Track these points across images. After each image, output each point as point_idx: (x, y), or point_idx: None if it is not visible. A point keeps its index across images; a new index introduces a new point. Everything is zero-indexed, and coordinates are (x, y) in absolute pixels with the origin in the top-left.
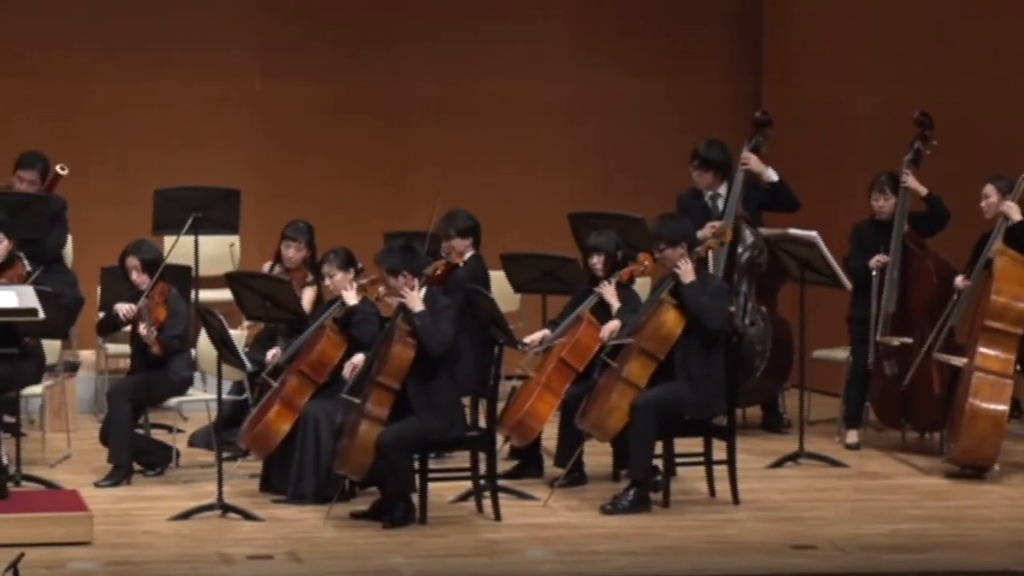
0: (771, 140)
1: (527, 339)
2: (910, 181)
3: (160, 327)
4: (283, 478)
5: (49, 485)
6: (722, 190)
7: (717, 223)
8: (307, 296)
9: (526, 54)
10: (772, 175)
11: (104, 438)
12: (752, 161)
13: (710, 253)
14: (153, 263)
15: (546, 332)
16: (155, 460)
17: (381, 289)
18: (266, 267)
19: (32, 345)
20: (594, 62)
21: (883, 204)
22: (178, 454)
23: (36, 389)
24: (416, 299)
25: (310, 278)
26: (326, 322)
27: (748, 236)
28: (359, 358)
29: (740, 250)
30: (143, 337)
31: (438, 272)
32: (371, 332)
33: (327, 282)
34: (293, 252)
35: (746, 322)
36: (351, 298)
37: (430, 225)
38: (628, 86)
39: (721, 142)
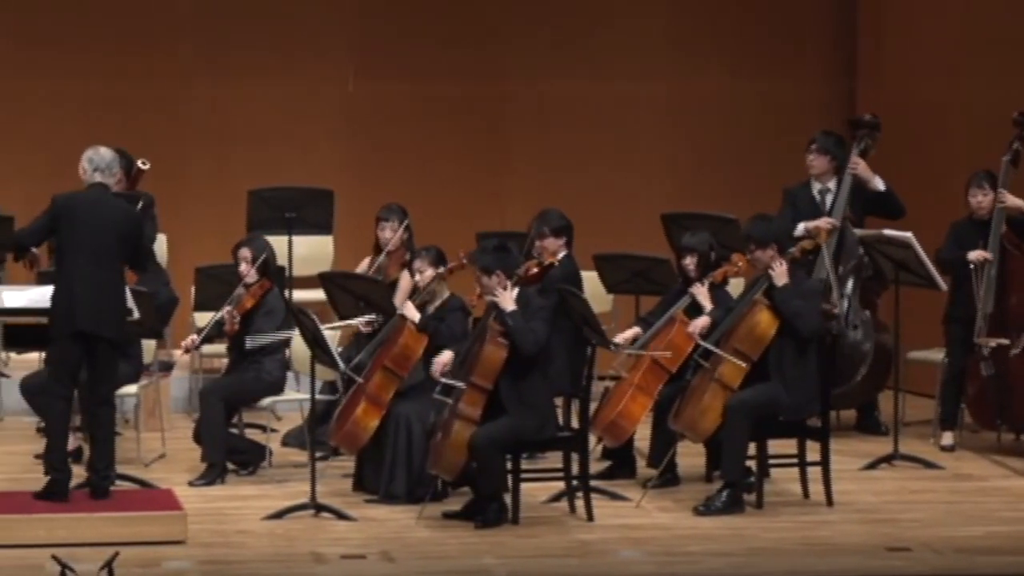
0: (879, 143)
1: (618, 337)
2: (1008, 199)
3: (244, 314)
4: (376, 478)
5: (144, 484)
6: (831, 185)
7: (832, 219)
8: (406, 278)
9: (621, 55)
10: (879, 184)
11: (198, 437)
12: (861, 167)
13: (825, 250)
14: (262, 260)
15: (637, 330)
16: (248, 459)
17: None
18: (365, 263)
19: (128, 345)
20: (688, 63)
21: (981, 200)
22: (271, 453)
23: (131, 389)
24: (508, 299)
25: (407, 258)
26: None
27: (854, 238)
28: (447, 356)
29: (846, 252)
30: (224, 317)
31: (532, 272)
32: (456, 327)
33: (416, 277)
34: (389, 233)
35: (849, 326)
36: (508, 303)
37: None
38: (722, 87)
39: (840, 135)
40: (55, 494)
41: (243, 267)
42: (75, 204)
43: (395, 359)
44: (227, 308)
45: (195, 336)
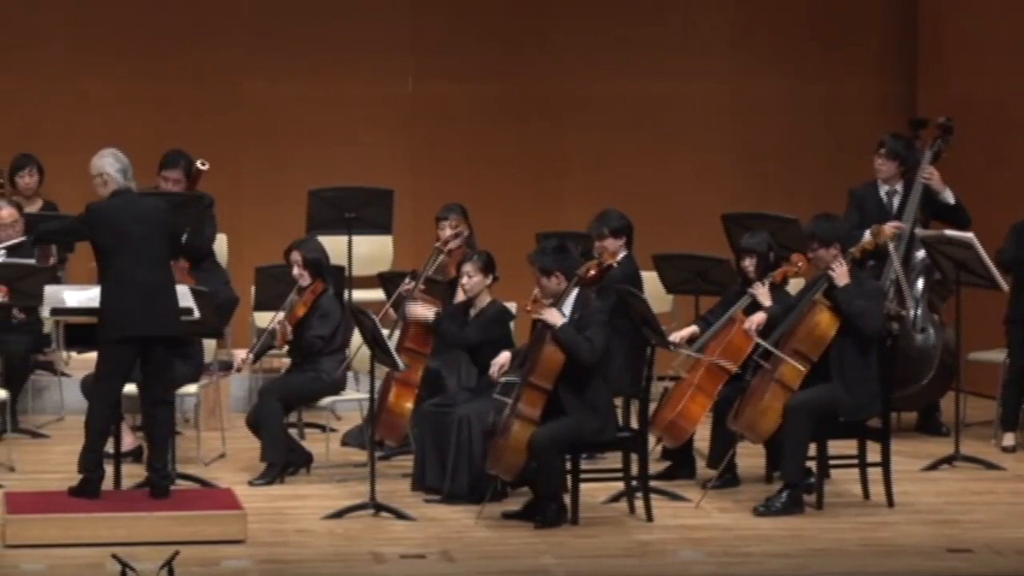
0: (951, 146)
1: (675, 335)
2: None
3: (296, 323)
4: (436, 477)
5: (204, 483)
6: (898, 187)
7: (900, 223)
8: None
9: (680, 56)
10: (949, 197)
11: (252, 424)
12: (935, 178)
13: (893, 253)
14: (315, 262)
15: (695, 329)
16: (293, 460)
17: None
18: (434, 266)
19: (188, 345)
20: (748, 64)
21: None
22: (311, 459)
23: (191, 388)
24: (556, 315)
25: (468, 252)
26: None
27: (922, 238)
28: (504, 357)
29: (918, 254)
30: (276, 325)
31: (592, 273)
32: (479, 333)
33: (464, 280)
34: (448, 231)
35: (917, 329)
36: (556, 319)
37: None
38: (781, 88)
39: (908, 137)
40: (87, 492)
41: (296, 270)
42: (111, 210)
43: (415, 339)
44: (279, 319)
45: (247, 355)
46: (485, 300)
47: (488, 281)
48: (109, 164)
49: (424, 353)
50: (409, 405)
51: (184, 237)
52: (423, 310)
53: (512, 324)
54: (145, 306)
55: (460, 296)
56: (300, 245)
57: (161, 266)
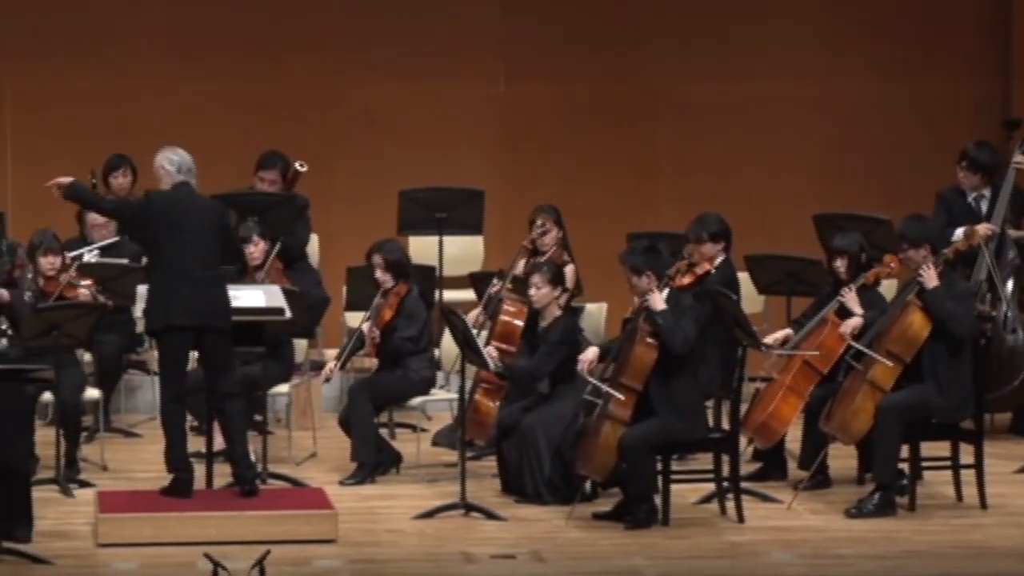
0: None
1: (768, 338)
2: None
3: (384, 327)
4: (520, 480)
5: (295, 483)
6: (986, 191)
7: (991, 224)
8: (567, 273)
9: (771, 55)
10: None
11: (344, 424)
12: None
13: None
14: (396, 264)
15: (788, 332)
16: (383, 460)
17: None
18: (520, 264)
19: (279, 345)
20: (839, 62)
21: None
22: (400, 459)
23: (283, 388)
24: (659, 299)
25: (566, 257)
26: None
27: (1013, 239)
28: (592, 352)
29: (1009, 254)
30: (365, 334)
31: (688, 280)
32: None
33: (532, 291)
34: (537, 231)
35: (1008, 329)
36: (658, 303)
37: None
38: (873, 86)
39: (990, 144)
40: (179, 492)
41: (378, 273)
42: (168, 203)
43: (499, 336)
44: (367, 324)
45: (332, 365)
46: (554, 313)
47: (556, 294)
48: (165, 158)
49: (512, 353)
50: (494, 404)
51: (273, 243)
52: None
53: (601, 325)
54: (192, 298)
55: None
56: (380, 248)
57: (210, 262)
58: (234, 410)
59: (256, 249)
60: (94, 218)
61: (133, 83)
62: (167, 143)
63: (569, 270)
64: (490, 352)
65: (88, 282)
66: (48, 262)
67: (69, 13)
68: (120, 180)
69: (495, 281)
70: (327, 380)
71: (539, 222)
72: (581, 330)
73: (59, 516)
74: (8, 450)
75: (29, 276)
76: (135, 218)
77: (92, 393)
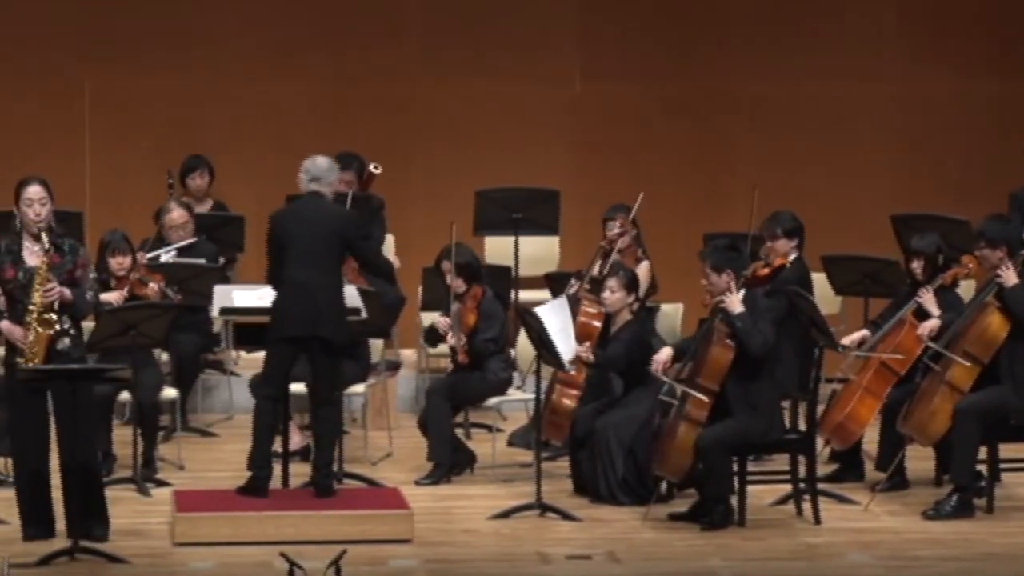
0: None
1: (846, 340)
2: None
3: (470, 332)
4: (592, 482)
5: (371, 483)
6: None
7: None
8: (642, 271)
9: (848, 55)
10: None
11: (423, 426)
12: None
13: None
14: (467, 267)
15: (866, 333)
16: (458, 460)
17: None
18: (598, 265)
19: (355, 345)
20: (917, 62)
21: None
22: (474, 459)
23: (359, 388)
24: (736, 301)
25: (640, 254)
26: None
27: None
28: (666, 352)
29: None
30: (451, 346)
31: (762, 273)
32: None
33: (606, 294)
34: (615, 231)
35: None
36: (735, 305)
37: (751, 226)
38: (952, 86)
39: None
40: (254, 491)
41: (449, 279)
42: (289, 216)
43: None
44: (453, 338)
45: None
46: (624, 317)
47: (630, 300)
48: (304, 167)
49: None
50: (571, 404)
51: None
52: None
53: (677, 325)
54: (304, 306)
55: (644, 282)
56: (448, 255)
57: (327, 269)
58: (328, 418)
59: None
60: (172, 219)
61: (211, 84)
62: (243, 143)
63: (643, 268)
64: (580, 351)
65: (157, 278)
66: (117, 262)
67: (147, 13)
68: (197, 181)
69: (573, 282)
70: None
71: (617, 222)
72: (654, 332)
73: (135, 515)
74: (83, 450)
75: (92, 276)
76: (278, 247)
77: (169, 393)
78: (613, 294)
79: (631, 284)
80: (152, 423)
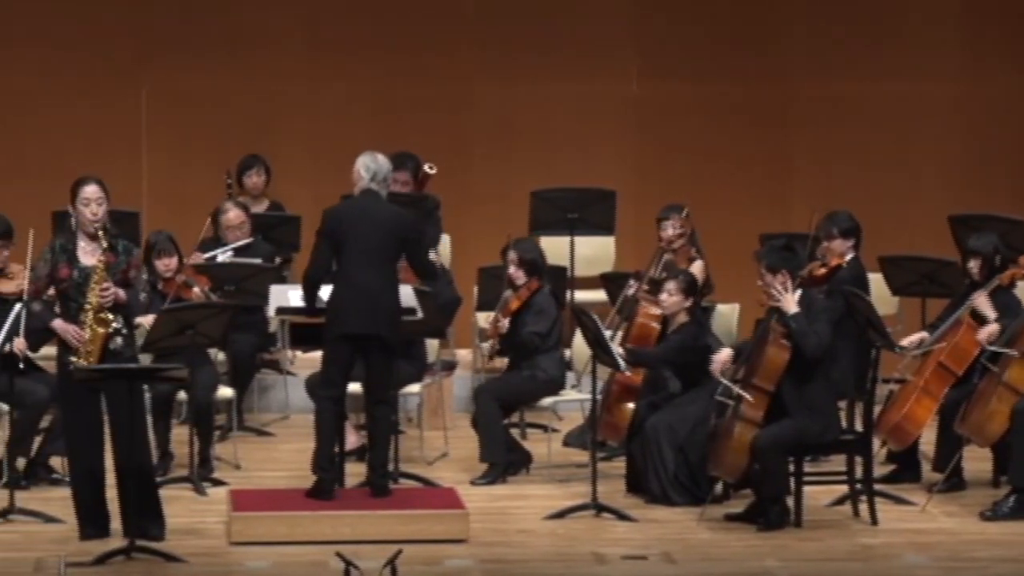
0: None
1: (904, 341)
2: None
3: (511, 315)
4: (646, 481)
5: (427, 483)
6: None
7: None
8: (696, 270)
9: (907, 55)
10: None
11: (476, 424)
12: None
13: None
14: (531, 262)
15: (924, 335)
16: (513, 460)
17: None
18: (657, 266)
19: (410, 345)
20: (979, 62)
21: None
22: (530, 459)
23: (414, 388)
24: (791, 301)
25: (694, 253)
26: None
27: None
28: (726, 353)
29: None
30: (490, 324)
31: (819, 273)
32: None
33: (663, 296)
34: (671, 231)
35: None
36: (791, 305)
37: (811, 227)
38: (1012, 86)
39: None
40: (321, 493)
41: (511, 269)
42: (345, 213)
43: (635, 339)
44: (494, 314)
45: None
46: (681, 320)
47: (687, 304)
48: (363, 164)
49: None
50: (629, 406)
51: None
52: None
53: (733, 326)
54: (360, 305)
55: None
56: (517, 244)
57: (384, 268)
58: (383, 417)
59: None
60: (228, 219)
61: (267, 83)
62: (300, 143)
63: (697, 266)
64: (619, 351)
65: (202, 281)
66: (164, 264)
67: (205, 14)
68: (254, 179)
69: (631, 282)
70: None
71: (672, 222)
72: (710, 332)
73: (192, 514)
74: (138, 450)
75: (144, 277)
76: (329, 244)
77: (225, 392)
78: (671, 297)
79: (689, 288)
80: (208, 422)
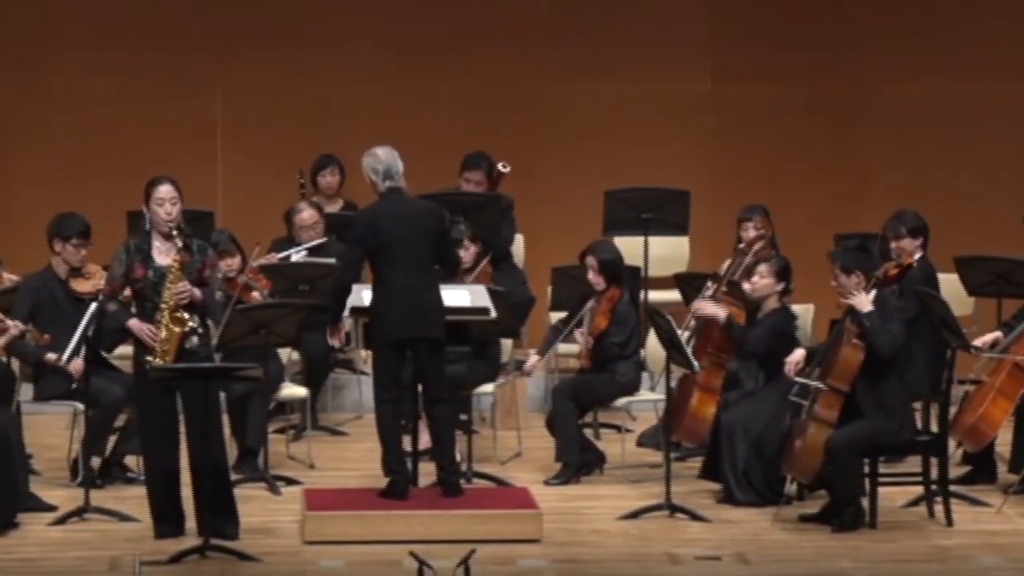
0: None
1: (978, 342)
2: None
3: (599, 335)
4: (723, 468)
5: (500, 482)
6: None
7: None
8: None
9: (985, 54)
10: None
11: (550, 426)
12: None
13: None
14: (610, 264)
15: (998, 334)
16: (587, 460)
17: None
18: (725, 264)
19: (484, 345)
20: None
21: None
22: (603, 460)
23: (488, 387)
24: (865, 300)
25: (773, 255)
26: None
27: None
28: (800, 353)
29: None
30: (579, 343)
31: (891, 273)
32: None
33: (755, 279)
34: (752, 232)
35: None
36: (865, 304)
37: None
38: None
39: None
40: (395, 494)
41: (591, 275)
42: (378, 215)
43: (715, 345)
44: (580, 331)
45: (535, 360)
46: (771, 305)
47: (778, 288)
48: (369, 167)
49: (726, 359)
50: (711, 411)
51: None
52: (713, 308)
53: (808, 326)
54: (405, 309)
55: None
56: (595, 249)
57: (422, 267)
58: (443, 415)
59: (467, 254)
60: (302, 219)
61: (341, 83)
62: (375, 142)
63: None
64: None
65: (263, 284)
66: (226, 264)
67: (279, 13)
68: (328, 179)
69: (708, 284)
70: (528, 375)
71: (756, 225)
72: (796, 324)
73: (266, 513)
74: (213, 449)
75: (219, 276)
76: (362, 250)
77: (299, 392)
78: (762, 279)
79: (782, 272)
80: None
